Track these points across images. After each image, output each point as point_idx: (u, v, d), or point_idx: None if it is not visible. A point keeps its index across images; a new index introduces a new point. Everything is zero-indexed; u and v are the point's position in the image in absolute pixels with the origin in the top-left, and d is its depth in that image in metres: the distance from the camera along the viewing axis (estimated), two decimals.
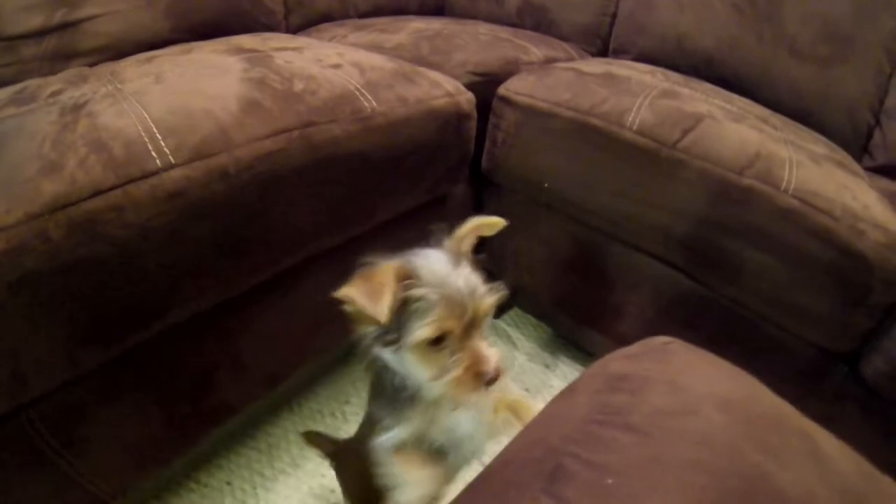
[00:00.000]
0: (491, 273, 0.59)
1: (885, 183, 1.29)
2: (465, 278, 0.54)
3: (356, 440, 0.74)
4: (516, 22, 1.47)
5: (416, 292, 0.51)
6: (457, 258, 0.56)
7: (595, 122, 1.00)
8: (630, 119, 0.98)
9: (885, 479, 0.41)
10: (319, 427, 1.03)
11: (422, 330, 0.52)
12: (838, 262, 0.90)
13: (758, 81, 1.40)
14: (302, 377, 1.08)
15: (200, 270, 0.70)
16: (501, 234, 1.14)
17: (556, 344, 1.23)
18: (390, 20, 1.30)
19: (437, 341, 0.53)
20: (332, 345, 1.02)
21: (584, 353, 1.22)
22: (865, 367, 0.96)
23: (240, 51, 0.92)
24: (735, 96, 1.27)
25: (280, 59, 0.89)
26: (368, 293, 0.50)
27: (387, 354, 0.56)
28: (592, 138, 1.00)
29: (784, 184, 0.91)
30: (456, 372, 0.53)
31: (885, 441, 1.06)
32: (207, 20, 1.05)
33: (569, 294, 1.15)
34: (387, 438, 0.62)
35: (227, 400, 0.88)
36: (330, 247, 0.88)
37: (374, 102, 0.86)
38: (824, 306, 0.94)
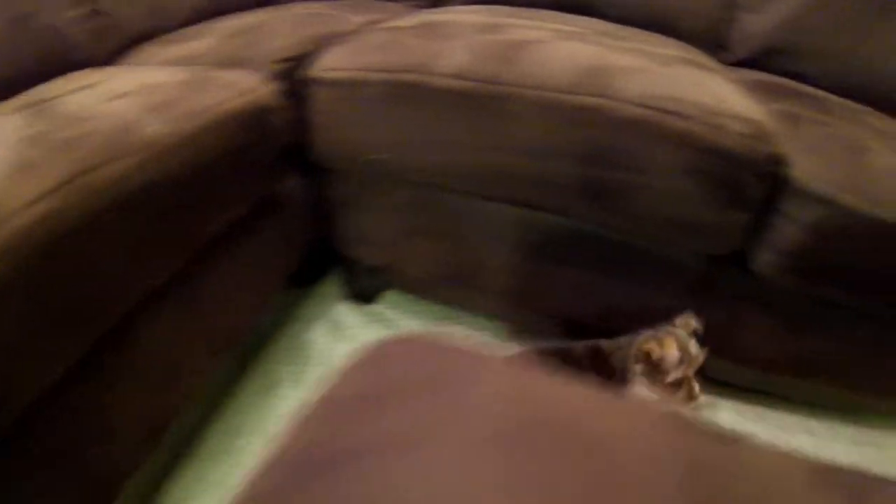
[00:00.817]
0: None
1: (745, 73, 1.26)
2: (695, 345, 0.89)
3: None
4: None
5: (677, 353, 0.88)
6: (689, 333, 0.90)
7: (407, 77, 0.92)
8: (444, 64, 0.90)
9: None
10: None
11: (674, 372, 0.88)
12: (702, 163, 0.85)
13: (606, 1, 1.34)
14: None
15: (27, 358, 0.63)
16: (355, 215, 1.02)
17: (442, 317, 1.19)
18: (203, 25, 1.16)
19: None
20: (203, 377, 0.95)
21: (471, 315, 1.17)
22: (755, 264, 0.93)
23: (27, 106, 0.84)
24: (579, 17, 1.17)
25: (66, 103, 0.81)
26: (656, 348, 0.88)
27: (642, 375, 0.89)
28: (409, 95, 0.92)
29: (626, 93, 0.85)
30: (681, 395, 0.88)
31: (791, 333, 1.03)
32: (10, 76, 0.89)
33: (434, 262, 1.09)
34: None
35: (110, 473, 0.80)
36: (166, 279, 0.81)
37: (156, 125, 0.78)
38: (701, 213, 0.89)
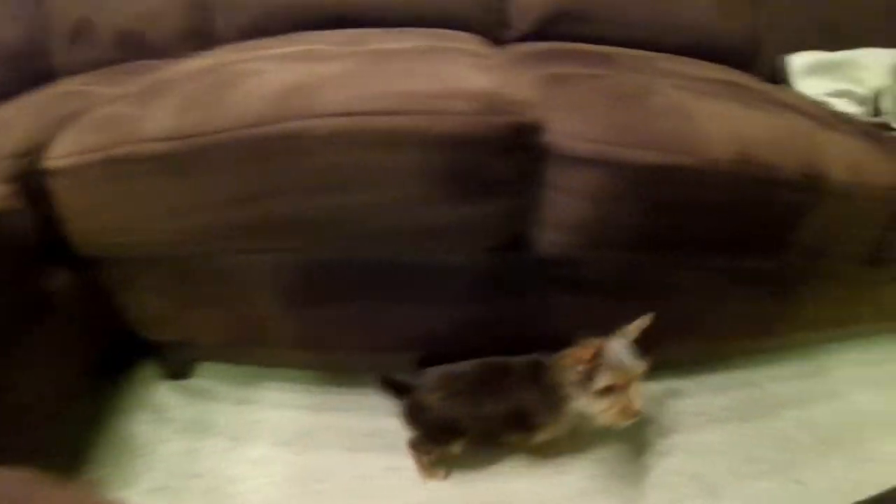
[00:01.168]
0: None
1: (527, 46, 1.26)
2: (630, 354, 0.85)
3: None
4: (115, 57, 1.27)
5: (604, 361, 0.84)
6: (627, 342, 0.87)
7: (118, 151, 0.86)
8: (150, 128, 0.85)
9: None
10: None
11: (596, 381, 0.85)
12: (429, 158, 0.80)
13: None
14: None
15: None
16: (134, 296, 0.97)
17: (254, 377, 1.20)
18: None
19: (609, 390, 0.85)
20: None
21: (284, 370, 1.18)
22: (540, 247, 0.90)
23: None
24: (333, 32, 1.20)
25: None
26: (581, 355, 0.83)
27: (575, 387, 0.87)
28: (124, 170, 0.87)
29: (328, 106, 0.80)
30: (611, 408, 0.85)
31: (615, 301, 1.02)
32: None
33: (219, 328, 1.06)
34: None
35: None
36: None
37: None
38: (448, 213, 0.86)
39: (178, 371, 1.17)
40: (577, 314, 1.02)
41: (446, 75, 0.88)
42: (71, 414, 1.04)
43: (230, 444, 1.05)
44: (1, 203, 0.87)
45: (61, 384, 1.02)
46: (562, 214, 0.86)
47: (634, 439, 1.11)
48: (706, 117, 0.89)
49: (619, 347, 0.85)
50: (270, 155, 0.82)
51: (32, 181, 0.92)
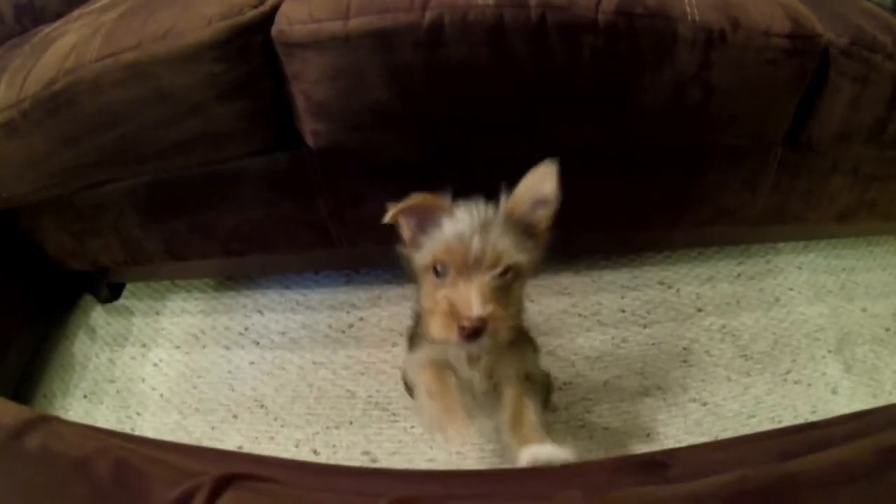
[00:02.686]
0: None
1: None
2: (487, 226, 0.56)
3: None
4: (19, 29, 1.42)
5: (439, 224, 0.57)
6: (497, 213, 0.58)
7: None
8: None
9: None
10: None
11: (421, 253, 0.59)
12: (169, 77, 0.86)
13: None
14: None
15: None
16: (39, 236, 1.16)
17: (164, 289, 1.37)
18: None
19: (437, 273, 0.57)
20: None
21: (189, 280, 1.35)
22: (310, 140, 0.93)
23: None
24: None
25: None
26: (404, 211, 0.58)
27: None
28: None
29: (87, 56, 0.89)
30: (436, 306, 0.56)
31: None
32: None
33: (111, 253, 1.22)
34: (413, 356, 0.69)
35: None
36: None
37: None
38: (209, 121, 0.92)
39: (107, 295, 1.37)
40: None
41: None
42: (22, 341, 1.28)
43: (140, 351, 1.25)
44: None
45: (9, 317, 1.25)
46: (308, 103, 0.87)
47: None
48: None
49: (468, 214, 0.57)
50: (60, 108, 0.93)
51: None
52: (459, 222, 0.57)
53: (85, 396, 1.21)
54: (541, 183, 0.59)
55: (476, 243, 0.55)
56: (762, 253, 1.20)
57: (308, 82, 0.85)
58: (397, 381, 1.04)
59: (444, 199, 0.59)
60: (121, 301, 1.38)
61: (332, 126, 0.89)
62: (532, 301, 1.13)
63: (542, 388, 0.73)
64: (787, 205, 1.11)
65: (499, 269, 0.56)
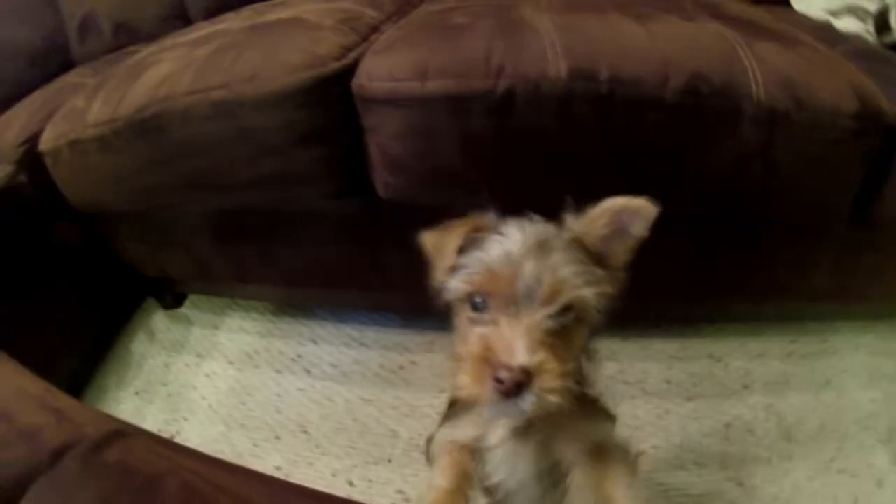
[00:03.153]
0: None
1: None
2: (546, 249, 0.43)
3: None
4: (115, 45, 1.53)
5: (482, 244, 0.44)
6: (561, 234, 0.46)
7: (73, 136, 1.12)
8: (89, 118, 1.09)
9: None
10: None
11: (456, 280, 0.45)
12: (252, 120, 0.92)
13: None
14: None
15: None
16: (123, 242, 1.25)
17: (225, 305, 1.43)
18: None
19: (475, 307, 0.44)
20: None
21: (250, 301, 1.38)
22: (380, 190, 0.99)
23: None
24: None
25: None
26: (438, 243, 0.46)
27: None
28: (80, 150, 1.12)
29: (181, 88, 0.96)
30: (469, 350, 0.42)
31: None
32: None
33: (180, 266, 1.30)
34: (443, 430, 0.53)
35: None
36: None
37: None
38: (285, 164, 0.97)
39: (170, 303, 1.45)
40: None
41: (281, 40, 0.97)
42: (87, 332, 1.36)
43: (195, 360, 1.31)
44: (10, 180, 1.17)
45: (79, 309, 1.33)
46: (382, 156, 0.90)
47: None
48: (552, 31, 0.84)
49: (521, 231, 0.45)
50: (149, 132, 1.00)
51: (33, 162, 1.21)
52: (508, 241, 0.44)
53: (137, 393, 1.28)
54: (630, 211, 0.46)
55: (529, 268, 0.41)
56: (818, 331, 1.16)
57: (384, 136, 0.89)
58: None
59: (490, 218, 0.47)
60: (182, 310, 1.46)
61: (404, 180, 0.92)
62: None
63: (627, 467, 0.50)
64: (850, 282, 1.07)
65: (557, 306, 0.42)
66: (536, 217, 0.47)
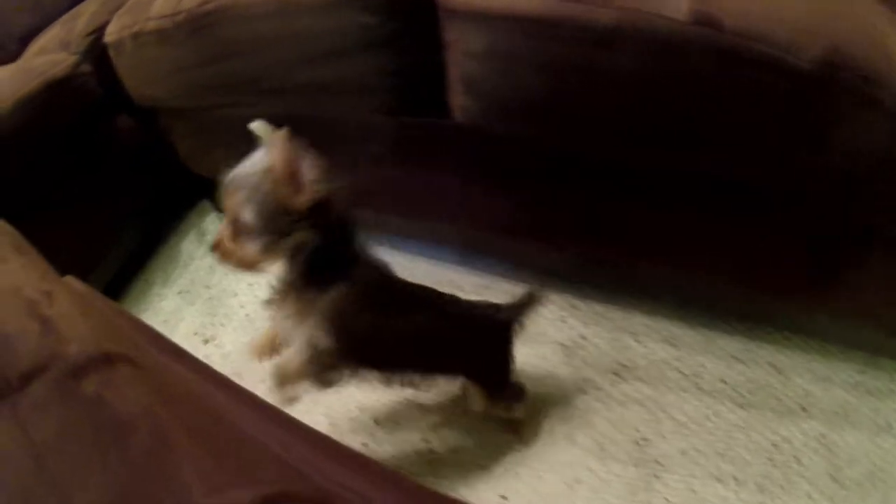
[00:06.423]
0: None
1: None
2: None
3: None
4: None
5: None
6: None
7: (135, 28, 1.02)
8: (152, 11, 1.00)
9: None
10: None
11: None
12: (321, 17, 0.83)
13: None
14: None
15: None
16: (181, 140, 1.17)
17: None
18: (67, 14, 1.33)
19: None
20: None
21: None
22: (456, 114, 0.82)
23: None
24: None
25: None
26: None
27: None
28: (141, 41, 1.02)
29: None
30: None
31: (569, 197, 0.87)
32: None
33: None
34: None
35: None
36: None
37: None
38: (350, 68, 0.85)
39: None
40: (512, 205, 0.94)
41: None
42: (139, 226, 1.30)
43: None
44: (74, 69, 1.12)
45: (131, 202, 1.28)
46: (463, 76, 0.77)
47: (585, 373, 0.95)
48: None
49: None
50: (209, 27, 0.89)
51: (98, 52, 1.14)
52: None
53: (180, 293, 1.23)
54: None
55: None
56: (891, 369, 0.97)
57: (465, 54, 0.74)
58: None
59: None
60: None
61: (483, 105, 0.78)
62: (637, 341, 0.99)
63: None
64: None
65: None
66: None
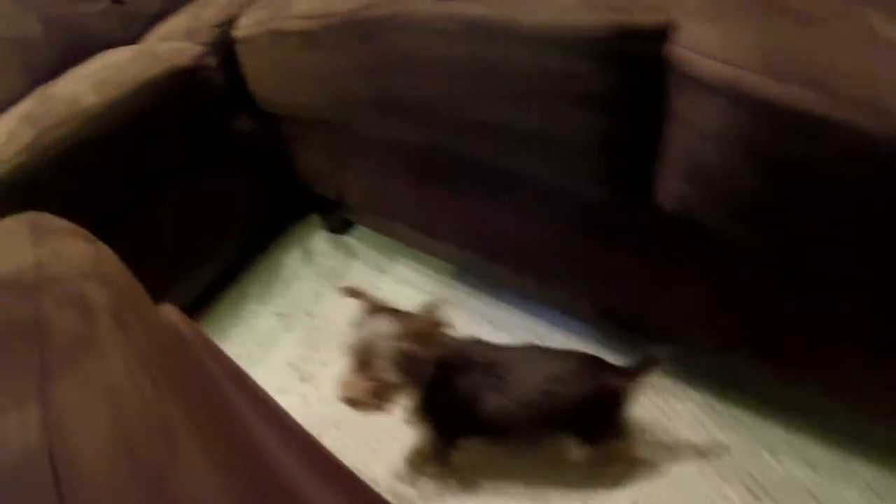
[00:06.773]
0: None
1: None
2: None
3: None
4: None
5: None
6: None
7: (273, 25, 0.92)
8: (295, 9, 0.88)
9: None
10: None
11: None
12: (520, 53, 0.65)
13: None
14: None
15: None
16: (302, 152, 1.08)
17: (398, 253, 1.17)
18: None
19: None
20: None
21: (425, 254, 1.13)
22: (660, 195, 0.65)
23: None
24: None
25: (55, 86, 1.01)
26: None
27: None
28: (279, 41, 0.92)
29: None
30: None
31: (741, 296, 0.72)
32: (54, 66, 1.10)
33: (359, 190, 1.08)
34: None
35: None
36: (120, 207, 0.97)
37: (91, 97, 0.92)
38: (543, 118, 0.69)
39: (336, 227, 1.25)
40: (706, 299, 0.76)
41: None
42: (242, 233, 1.20)
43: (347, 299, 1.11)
44: (199, 61, 1.03)
45: (238, 208, 1.18)
46: (688, 158, 0.60)
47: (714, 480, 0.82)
48: None
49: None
50: (370, 36, 0.76)
51: (225, 45, 1.05)
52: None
53: (277, 315, 1.12)
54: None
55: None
56: None
57: (696, 133, 0.55)
58: None
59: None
60: (348, 238, 1.26)
61: (706, 195, 0.60)
62: (772, 457, 0.82)
63: None
64: None
65: None
66: None
